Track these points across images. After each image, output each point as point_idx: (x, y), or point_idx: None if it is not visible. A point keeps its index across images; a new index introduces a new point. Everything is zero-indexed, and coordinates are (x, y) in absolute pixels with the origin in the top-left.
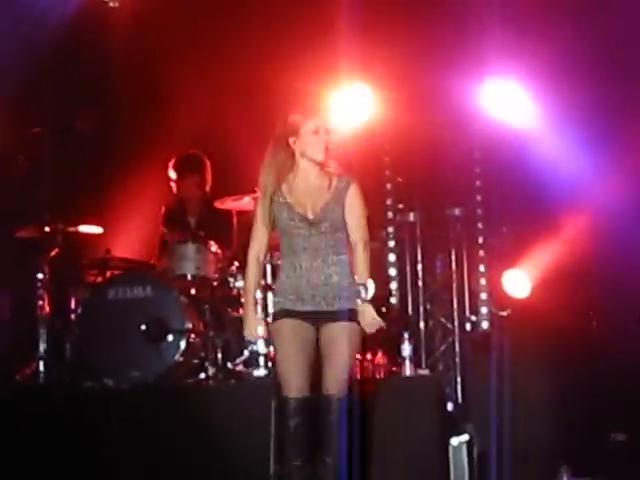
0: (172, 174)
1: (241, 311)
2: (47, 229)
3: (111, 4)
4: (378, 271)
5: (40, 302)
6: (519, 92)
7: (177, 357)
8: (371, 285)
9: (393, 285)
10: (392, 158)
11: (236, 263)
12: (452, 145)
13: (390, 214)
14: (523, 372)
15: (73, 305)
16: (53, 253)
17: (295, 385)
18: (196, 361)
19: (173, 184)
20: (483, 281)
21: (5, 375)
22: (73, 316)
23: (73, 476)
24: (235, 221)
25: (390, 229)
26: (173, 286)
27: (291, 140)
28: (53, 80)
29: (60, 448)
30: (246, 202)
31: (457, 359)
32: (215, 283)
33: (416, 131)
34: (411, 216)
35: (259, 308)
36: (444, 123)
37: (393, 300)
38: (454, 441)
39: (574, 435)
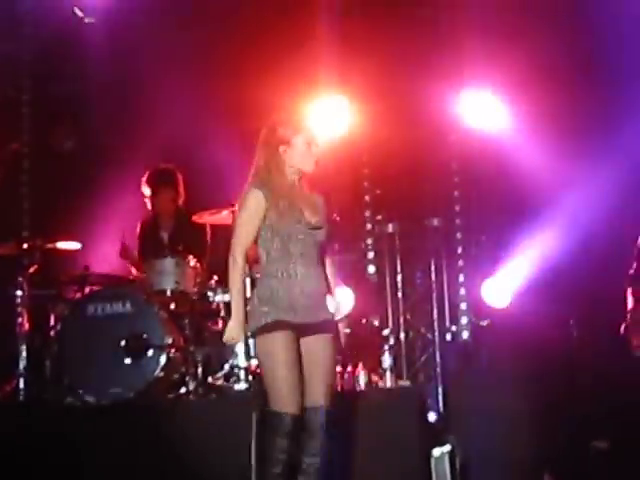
0: (145, 190)
1: (220, 324)
2: (25, 246)
3: (86, 20)
4: (358, 282)
5: (19, 319)
6: (496, 102)
7: (157, 372)
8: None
9: (373, 296)
10: (370, 170)
11: (215, 277)
12: (430, 156)
13: (369, 226)
14: (504, 381)
15: (52, 322)
16: (32, 270)
17: (295, 400)
18: (176, 376)
19: (147, 200)
20: (463, 291)
21: None
22: (52, 333)
23: None
24: (209, 235)
25: (369, 240)
26: (152, 301)
27: (281, 148)
28: (29, 96)
29: (41, 465)
30: (224, 216)
31: (438, 369)
32: (194, 297)
33: (394, 143)
34: (390, 227)
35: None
36: (422, 134)
37: (373, 311)
38: (436, 452)
39: (556, 444)
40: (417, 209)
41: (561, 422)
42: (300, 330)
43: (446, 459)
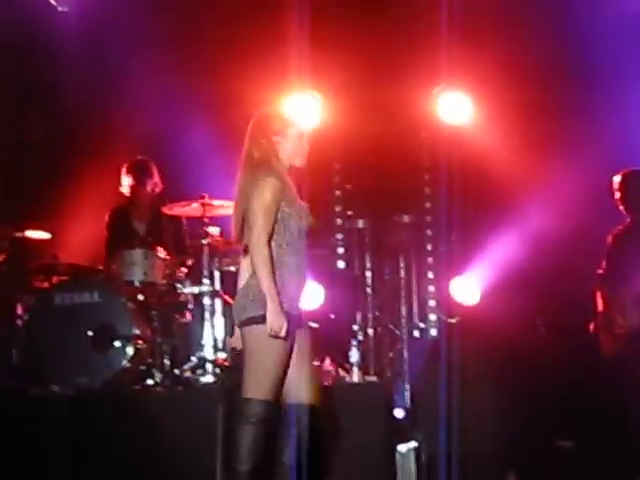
0: (127, 179)
1: (188, 316)
2: None
3: (60, 8)
4: (327, 277)
5: None
6: (468, 100)
7: (124, 363)
8: None
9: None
10: (341, 165)
11: (184, 269)
12: (401, 152)
13: (339, 221)
14: (471, 379)
15: (20, 311)
16: (0, 258)
17: (276, 391)
18: (143, 367)
19: (127, 189)
20: (432, 288)
21: None
22: (19, 322)
23: None
24: (185, 226)
25: (339, 236)
26: (120, 292)
27: (275, 139)
28: (0, 85)
29: (4, 454)
30: (194, 208)
31: (405, 366)
32: (163, 289)
33: (366, 138)
34: (360, 223)
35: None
36: (394, 130)
37: (342, 306)
38: (402, 448)
39: (522, 442)
40: (387, 205)
41: (526, 420)
42: (296, 322)
43: (412, 455)
